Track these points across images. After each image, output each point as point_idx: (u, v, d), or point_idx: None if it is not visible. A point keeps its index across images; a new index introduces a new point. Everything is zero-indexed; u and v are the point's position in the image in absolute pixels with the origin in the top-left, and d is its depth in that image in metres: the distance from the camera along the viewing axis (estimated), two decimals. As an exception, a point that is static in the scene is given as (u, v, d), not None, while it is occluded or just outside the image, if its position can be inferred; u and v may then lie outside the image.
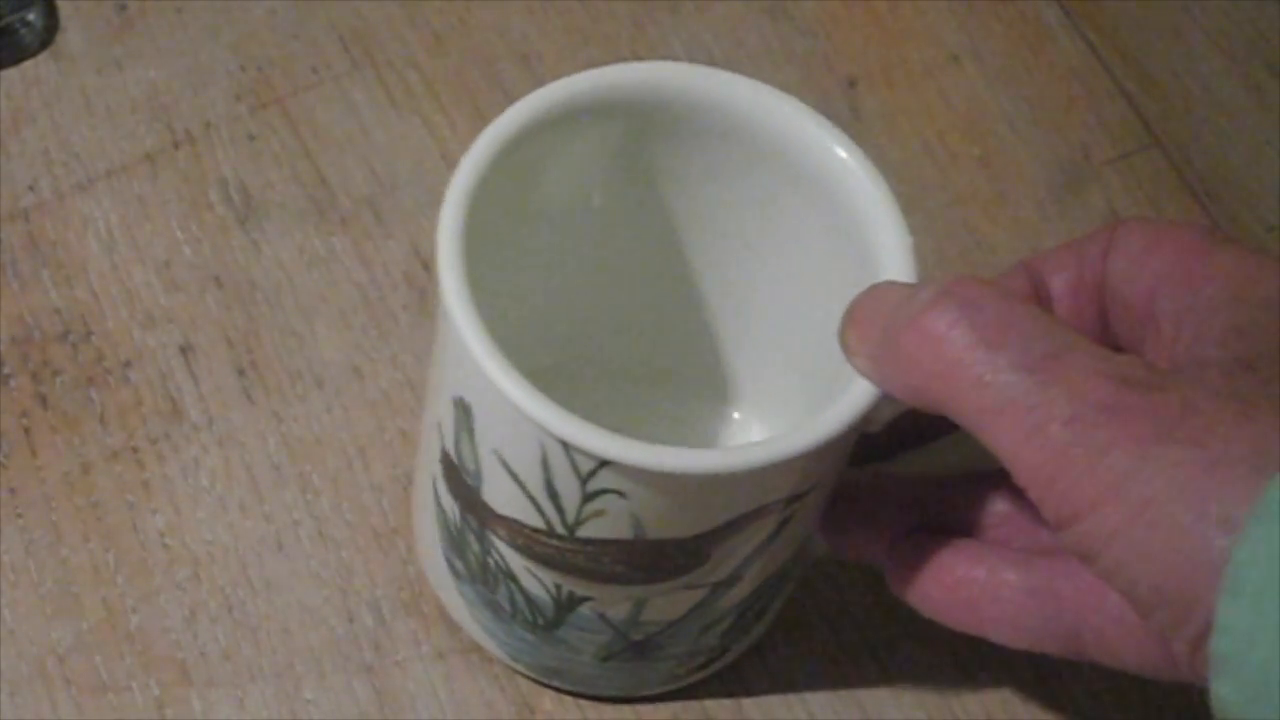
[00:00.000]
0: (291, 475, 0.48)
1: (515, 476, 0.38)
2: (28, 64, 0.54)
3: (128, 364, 0.50)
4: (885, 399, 0.37)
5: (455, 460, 0.40)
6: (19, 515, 0.48)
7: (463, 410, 0.38)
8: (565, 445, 0.36)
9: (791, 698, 0.46)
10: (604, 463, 0.36)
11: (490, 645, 0.45)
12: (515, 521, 0.39)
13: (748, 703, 0.46)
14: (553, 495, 0.37)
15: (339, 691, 0.46)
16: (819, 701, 0.46)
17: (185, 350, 0.50)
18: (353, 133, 0.53)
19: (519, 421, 0.36)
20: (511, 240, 0.42)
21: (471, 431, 0.38)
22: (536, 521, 0.38)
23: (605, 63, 0.54)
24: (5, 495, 0.48)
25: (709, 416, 0.47)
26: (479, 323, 0.36)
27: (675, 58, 0.55)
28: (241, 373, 0.50)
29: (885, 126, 0.54)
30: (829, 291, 0.41)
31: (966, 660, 0.47)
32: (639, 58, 0.55)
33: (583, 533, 0.38)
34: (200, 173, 0.52)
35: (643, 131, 0.41)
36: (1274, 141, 0.54)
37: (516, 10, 0.55)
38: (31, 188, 0.52)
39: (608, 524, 0.37)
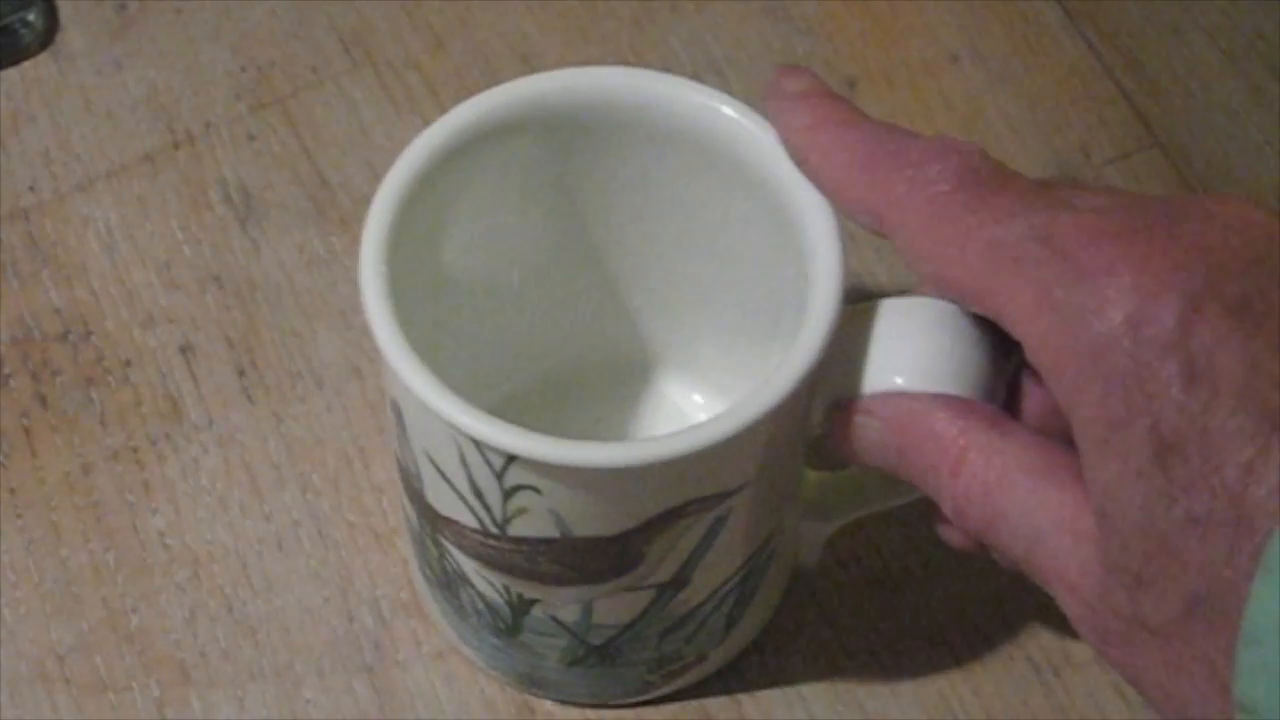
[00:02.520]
0: (291, 475, 0.48)
1: (444, 476, 0.38)
2: (28, 64, 0.54)
3: (128, 364, 0.50)
4: (804, 400, 0.37)
5: (402, 463, 0.40)
6: (19, 515, 0.48)
7: (397, 412, 0.39)
8: (475, 442, 0.36)
9: (792, 698, 0.46)
10: (511, 458, 0.36)
11: (469, 654, 0.45)
12: (456, 522, 0.39)
13: (748, 703, 0.46)
14: (477, 493, 0.37)
15: (339, 691, 0.46)
16: (819, 701, 0.46)
17: (185, 350, 0.50)
18: (353, 133, 0.53)
19: (433, 420, 0.36)
20: (451, 260, 0.42)
21: (406, 433, 0.39)
22: (471, 521, 0.38)
23: (605, 62, 0.54)
24: (5, 495, 0.48)
25: (681, 403, 0.47)
26: (395, 325, 0.37)
27: (675, 57, 0.55)
28: (241, 373, 0.50)
29: (885, 126, 0.54)
30: (767, 272, 0.41)
31: (966, 660, 0.47)
32: (639, 57, 0.55)
33: (512, 531, 0.38)
34: (200, 173, 0.52)
35: (572, 139, 0.41)
36: (1274, 141, 0.54)
37: (516, 10, 0.55)
38: (31, 188, 0.52)
39: (532, 522, 0.38)
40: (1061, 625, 0.47)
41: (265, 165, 0.53)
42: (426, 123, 0.53)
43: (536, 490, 0.37)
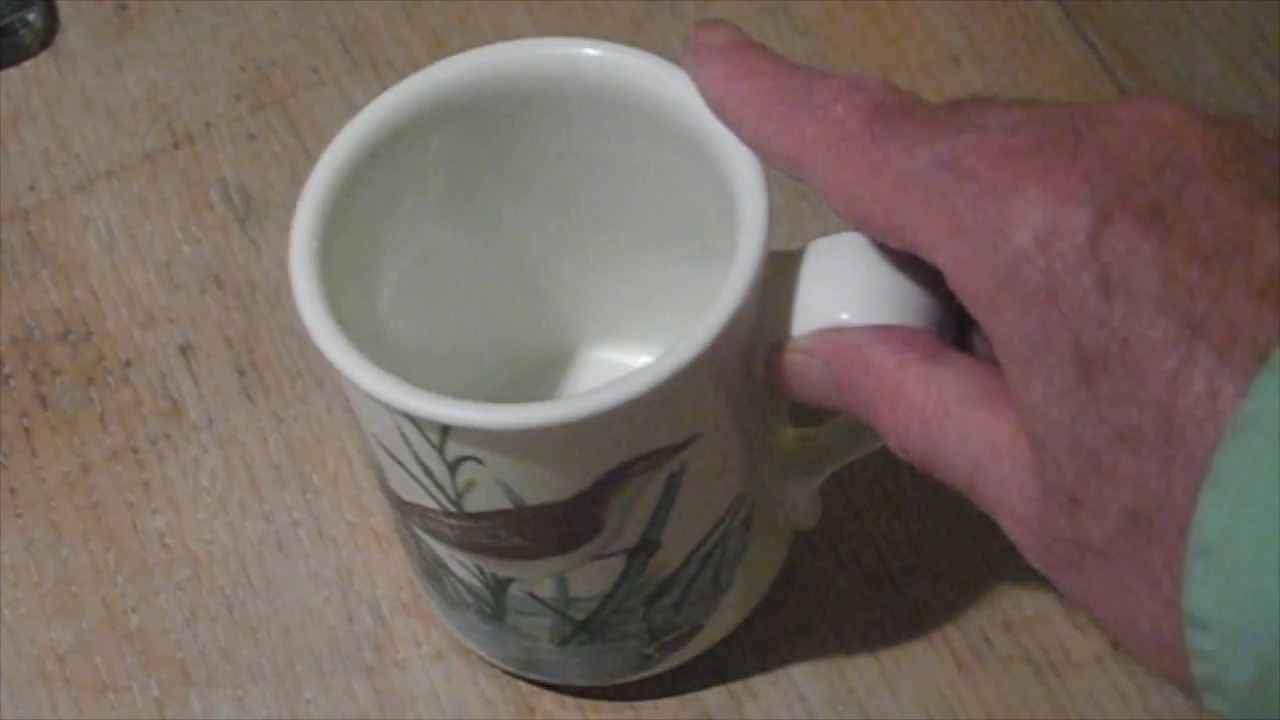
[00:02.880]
0: (291, 475, 0.48)
1: (395, 458, 0.38)
2: (28, 64, 0.54)
3: (128, 364, 0.50)
4: (740, 344, 0.36)
5: (368, 457, 0.40)
6: (19, 515, 0.48)
7: (348, 401, 0.39)
8: (410, 417, 0.36)
9: (792, 698, 0.46)
10: (445, 428, 0.36)
11: (469, 644, 0.45)
12: (418, 506, 0.39)
13: (748, 702, 0.46)
14: (427, 472, 0.37)
15: (339, 691, 0.46)
16: (819, 701, 0.46)
17: (185, 350, 0.50)
18: (353, 133, 0.53)
19: (371, 402, 0.36)
20: (391, 254, 0.42)
21: (359, 423, 0.39)
22: (430, 502, 0.38)
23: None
24: (5, 495, 0.48)
25: (631, 365, 0.47)
26: (323, 308, 0.37)
27: (675, 57, 0.55)
28: (241, 373, 0.50)
29: (885, 126, 0.54)
30: (704, 226, 0.41)
31: (966, 660, 0.47)
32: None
33: (468, 506, 0.38)
34: (200, 173, 0.52)
35: (490, 118, 0.40)
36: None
37: (516, 10, 0.55)
38: (31, 188, 0.52)
39: (484, 495, 0.37)
40: (1061, 625, 0.47)
41: (265, 165, 0.53)
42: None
43: (479, 461, 0.36)
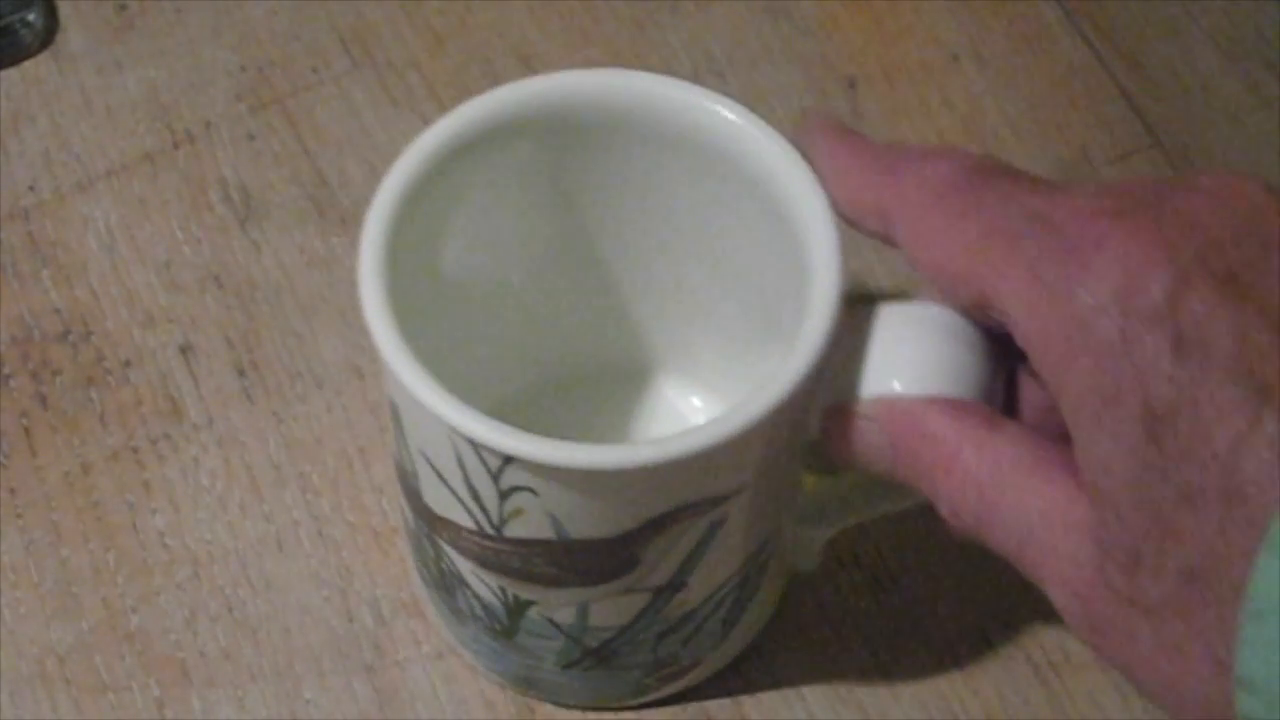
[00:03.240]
0: (291, 475, 0.48)
1: (440, 476, 0.38)
2: (28, 64, 0.54)
3: (128, 364, 0.50)
4: (801, 403, 0.37)
5: (399, 463, 0.40)
6: (19, 515, 0.48)
7: (394, 411, 0.39)
8: (471, 443, 0.36)
9: (792, 698, 0.46)
10: (508, 459, 0.36)
11: (467, 656, 0.45)
12: (452, 523, 0.39)
13: (748, 702, 0.46)
14: (474, 494, 0.37)
15: (339, 691, 0.46)
16: (819, 701, 0.46)
17: (185, 350, 0.50)
18: (353, 133, 0.53)
19: (430, 421, 0.36)
20: (450, 261, 0.42)
21: (404, 432, 0.39)
22: (467, 522, 0.38)
23: (605, 63, 0.55)
24: (5, 495, 0.48)
25: (680, 406, 0.47)
26: (393, 326, 0.37)
27: (675, 58, 0.55)
28: (241, 373, 0.50)
29: (885, 126, 0.54)
30: (766, 274, 0.41)
31: (966, 660, 0.47)
32: (639, 58, 0.55)
33: (509, 532, 0.38)
34: (200, 173, 0.52)
35: (568, 142, 0.41)
36: (1274, 142, 0.54)
37: (516, 10, 0.55)
38: (31, 188, 0.52)
39: (529, 523, 0.37)
40: (1061, 625, 0.47)
41: (265, 165, 0.53)
42: (426, 123, 0.53)
43: (533, 492, 0.37)
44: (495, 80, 0.54)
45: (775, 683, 0.46)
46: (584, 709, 0.45)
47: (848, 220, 0.38)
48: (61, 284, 0.51)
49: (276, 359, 0.50)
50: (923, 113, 0.54)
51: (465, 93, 0.54)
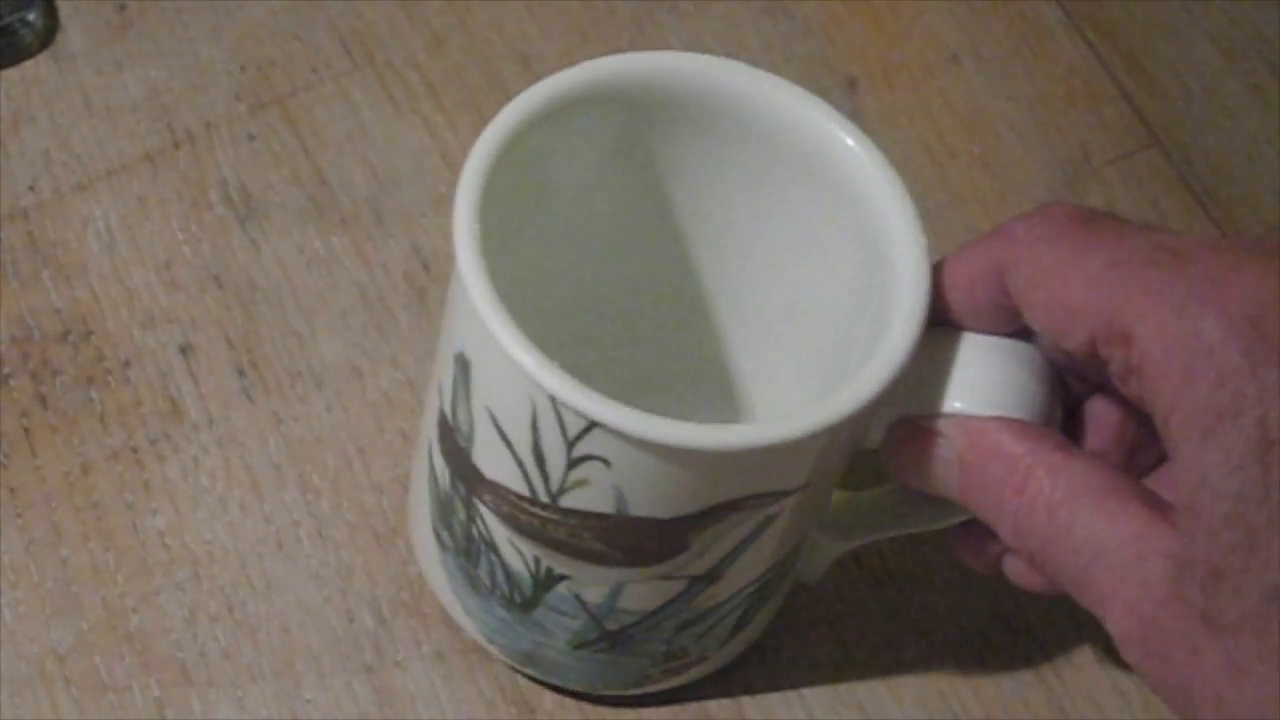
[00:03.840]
0: (291, 475, 0.48)
1: (505, 436, 0.37)
2: (28, 64, 0.54)
3: (128, 364, 0.50)
4: (881, 407, 0.37)
5: (451, 421, 0.39)
6: (19, 515, 0.48)
7: (462, 366, 0.38)
8: (555, 402, 0.35)
9: (791, 698, 0.46)
10: (591, 424, 0.35)
11: (469, 625, 0.45)
12: (502, 487, 0.39)
13: (748, 703, 0.46)
14: (539, 459, 0.37)
15: (339, 691, 0.46)
16: (819, 701, 0.46)
17: (185, 350, 0.50)
18: (353, 133, 0.53)
19: (514, 376, 0.36)
20: (519, 237, 0.42)
21: (468, 389, 0.38)
22: (521, 487, 0.38)
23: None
24: (5, 495, 0.48)
25: (734, 413, 0.47)
26: (486, 276, 0.36)
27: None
28: (241, 373, 0.50)
29: (885, 126, 0.54)
30: (837, 294, 0.41)
31: (966, 660, 0.47)
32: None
33: (565, 502, 0.38)
34: (200, 173, 0.52)
35: (646, 124, 0.40)
36: (1274, 141, 0.54)
37: (516, 10, 0.55)
38: (31, 188, 0.52)
39: (590, 495, 0.37)
40: (1061, 625, 0.47)
41: (265, 165, 0.53)
42: (426, 123, 0.54)
43: (605, 462, 0.36)
44: (495, 80, 0.54)
45: (774, 681, 0.46)
46: (578, 693, 0.45)
47: (964, 314, 0.38)
48: (61, 284, 0.51)
49: (276, 359, 0.50)
50: (923, 113, 0.54)
51: (465, 93, 0.54)
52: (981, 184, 0.53)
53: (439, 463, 0.41)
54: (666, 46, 0.55)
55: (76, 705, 0.45)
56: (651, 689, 0.45)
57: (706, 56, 0.40)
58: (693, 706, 0.46)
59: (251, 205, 0.52)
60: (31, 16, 0.54)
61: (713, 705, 0.46)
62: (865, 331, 0.39)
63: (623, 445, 0.36)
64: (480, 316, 0.36)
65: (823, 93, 0.54)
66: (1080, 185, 0.53)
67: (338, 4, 0.55)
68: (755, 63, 0.54)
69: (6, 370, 0.49)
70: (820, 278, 0.42)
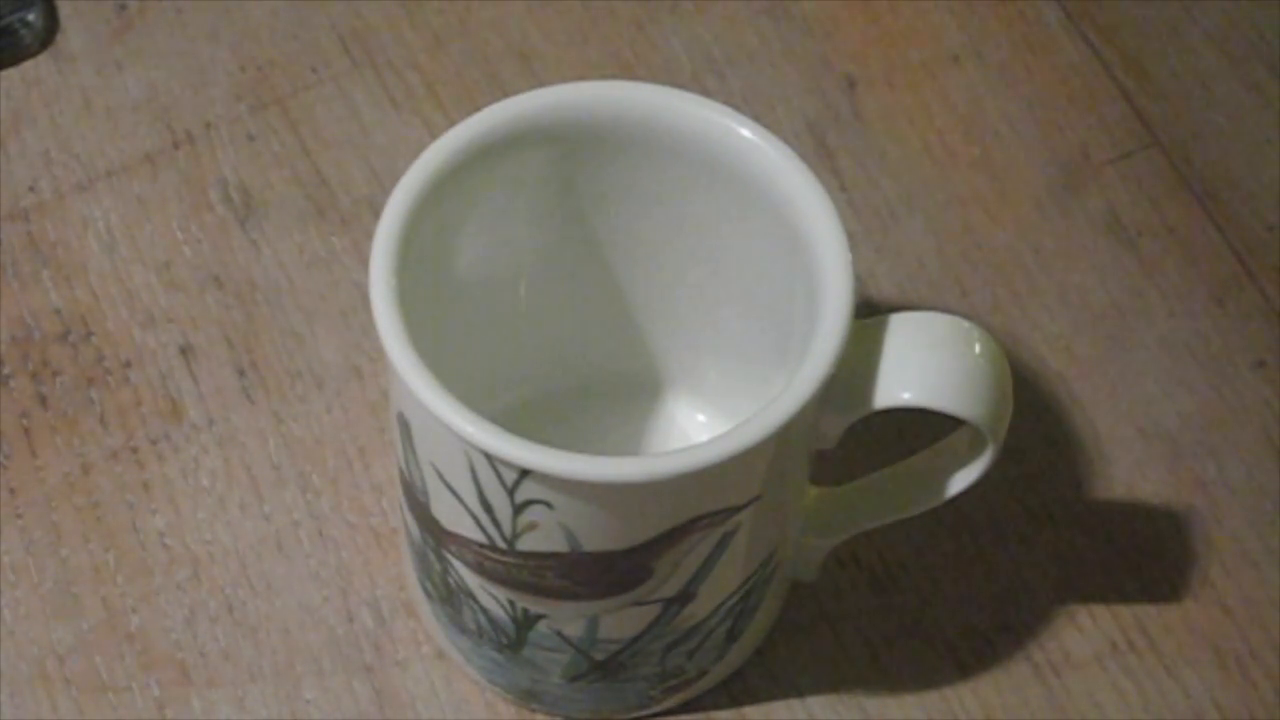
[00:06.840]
0: (291, 475, 0.48)
1: (452, 490, 0.38)
2: (28, 64, 0.54)
3: (128, 364, 0.50)
4: (813, 413, 0.37)
5: (407, 476, 0.40)
6: (19, 515, 0.48)
7: (403, 425, 0.38)
8: (487, 456, 0.36)
9: (792, 698, 0.46)
10: (524, 472, 0.36)
11: (470, 670, 0.45)
12: (462, 537, 0.39)
13: (747, 703, 0.46)
14: (487, 508, 0.37)
15: (339, 691, 0.46)
16: (819, 703, 0.46)
17: (185, 350, 0.50)
18: (353, 133, 0.53)
19: (444, 434, 0.36)
20: (458, 271, 0.42)
21: (413, 447, 0.38)
22: (479, 536, 0.38)
23: (605, 63, 0.55)
24: (5, 495, 0.48)
25: (684, 423, 0.47)
26: (406, 338, 0.36)
27: (675, 58, 0.55)
28: (241, 373, 0.50)
29: (885, 126, 0.54)
30: (774, 290, 0.41)
31: (966, 660, 0.47)
32: (639, 58, 0.55)
33: (522, 546, 0.38)
34: (200, 173, 0.52)
35: (582, 153, 0.40)
36: (1274, 141, 0.54)
37: (516, 10, 0.55)
38: (31, 188, 0.52)
39: (542, 536, 0.37)
40: (1062, 625, 0.47)
41: (265, 165, 0.53)
42: (426, 123, 0.54)
43: (548, 505, 0.36)
44: (495, 80, 0.54)
45: (775, 683, 0.46)
46: None
47: None
48: (61, 284, 0.51)
49: (276, 359, 0.50)
50: (923, 113, 0.54)
51: (465, 93, 0.54)
52: (981, 184, 0.53)
53: (408, 518, 0.42)
54: (666, 46, 0.55)
55: (76, 705, 0.45)
56: (657, 710, 0.45)
57: (622, 82, 0.40)
58: (693, 706, 0.46)
59: (251, 205, 0.52)
60: (31, 16, 0.54)
61: (713, 706, 0.46)
62: (800, 329, 0.39)
63: (558, 487, 0.36)
64: (404, 381, 0.36)
65: (823, 93, 0.55)
66: (1080, 185, 0.53)
67: (338, 4, 0.55)
68: (755, 63, 0.55)
69: (6, 370, 0.49)
70: (757, 281, 0.42)
